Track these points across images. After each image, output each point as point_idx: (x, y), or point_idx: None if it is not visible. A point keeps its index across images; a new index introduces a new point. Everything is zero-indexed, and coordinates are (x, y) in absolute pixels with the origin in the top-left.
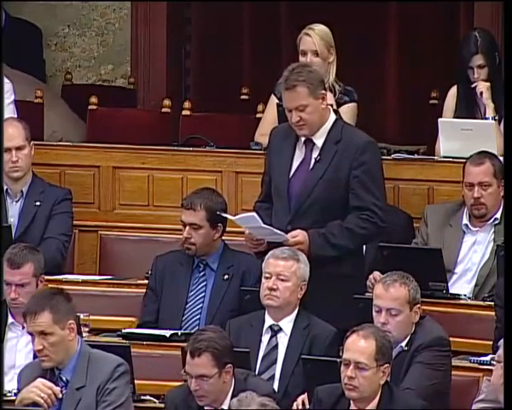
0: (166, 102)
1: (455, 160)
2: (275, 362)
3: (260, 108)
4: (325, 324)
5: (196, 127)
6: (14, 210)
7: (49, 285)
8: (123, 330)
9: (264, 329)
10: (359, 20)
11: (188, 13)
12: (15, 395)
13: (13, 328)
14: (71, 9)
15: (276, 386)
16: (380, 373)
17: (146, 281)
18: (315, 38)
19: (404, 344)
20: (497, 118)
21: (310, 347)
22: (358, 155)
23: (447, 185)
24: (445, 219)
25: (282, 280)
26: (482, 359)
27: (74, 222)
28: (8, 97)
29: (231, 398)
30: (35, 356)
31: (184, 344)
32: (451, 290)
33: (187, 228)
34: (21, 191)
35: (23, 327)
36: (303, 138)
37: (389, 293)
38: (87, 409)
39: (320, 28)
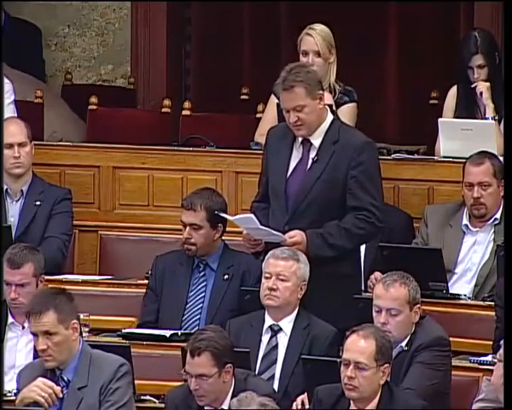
0: (166, 102)
1: (455, 160)
2: (275, 362)
3: (260, 108)
4: (325, 324)
5: (196, 127)
6: (13, 210)
7: (50, 285)
8: (123, 330)
9: (264, 329)
10: (359, 20)
11: (188, 13)
12: (15, 395)
13: (13, 328)
14: (71, 9)
15: (276, 386)
16: (380, 373)
17: (146, 281)
18: (317, 38)
19: (404, 344)
20: (497, 118)
21: (310, 347)
22: (356, 155)
23: (447, 185)
24: (445, 220)
25: (282, 280)
26: (482, 359)
27: (74, 222)
28: (9, 97)
29: (231, 398)
30: (35, 356)
31: (184, 344)
32: (451, 291)
33: (187, 228)
34: (21, 191)
35: (23, 327)
36: (300, 138)
37: (389, 293)
38: (89, 409)
39: (321, 28)
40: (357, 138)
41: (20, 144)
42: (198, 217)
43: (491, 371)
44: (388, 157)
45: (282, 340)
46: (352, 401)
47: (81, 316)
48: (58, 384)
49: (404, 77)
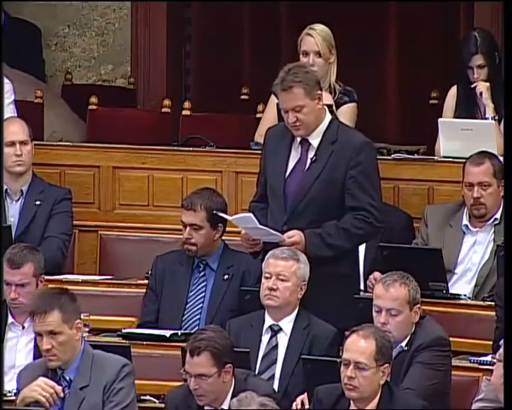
0: (166, 102)
1: (455, 160)
2: (275, 362)
3: (260, 108)
4: (325, 324)
5: (196, 127)
6: (13, 210)
7: (50, 285)
8: (123, 330)
9: (264, 329)
10: (359, 21)
11: (188, 13)
12: (15, 395)
13: (13, 328)
14: (71, 9)
15: (276, 386)
16: (380, 373)
17: (146, 281)
18: (317, 38)
19: (404, 344)
20: (496, 118)
21: (310, 347)
22: (355, 156)
23: (447, 185)
24: (445, 220)
25: (282, 280)
26: (482, 359)
27: (74, 222)
28: (9, 97)
29: (231, 398)
30: (35, 356)
31: (184, 344)
32: (451, 291)
33: (187, 229)
34: (21, 190)
35: (23, 327)
36: (299, 138)
37: (389, 293)
38: (91, 409)
39: (321, 28)
40: (356, 138)
41: (22, 142)
42: (198, 217)
43: (491, 371)
44: (388, 157)
45: (282, 340)
46: (351, 401)
47: (81, 316)
48: (60, 384)
49: (404, 77)
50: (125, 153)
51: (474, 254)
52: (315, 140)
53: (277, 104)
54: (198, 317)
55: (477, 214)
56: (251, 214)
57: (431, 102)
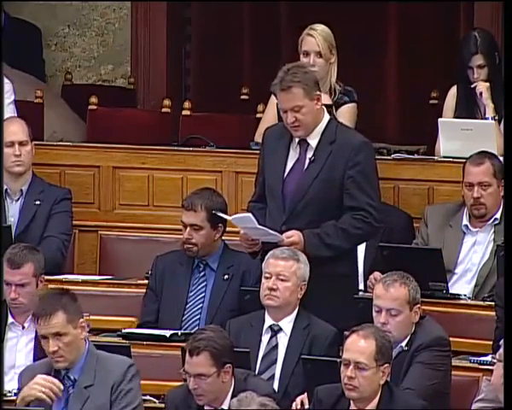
0: (166, 102)
1: (455, 160)
2: (275, 362)
3: (260, 108)
4: (325, 324)
5: (196, 127)
6: (13, 209)
7: (50, 285)
8: (123, 330)
9: (264, 329)
10: (359, 21)
11: (188, 13)
12: (15, 395)
13: (13, 328)
14: (71, 9)
15: (276, 386)
16: (380, 373)
17: (146, 281)
18: (318, 38)
19: (404, 344)
20: (496, 118)
21: (310, 347)
22: (353, 156)
23: (447, 185)
24: (445, 220)
25: (282, 280)
26: (482, 359)
27: (74, 222)
28: (9, 97)
29: (231, 398)
30: (35, 356)
31: (184, 344)
32: (451, 291)
33: (187, 229)
34: (21, 190)
35: (23, 327)
36: (297, 138)
37: (389, 293)
38: (95, 408)
39: (322, 28)
40: (355, 138)
41: (21, 143)
42: (198, 217)
43: (491, 371)
44: (388, 157)
45: (282, 340)
46: (351, 401)
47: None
48: (64, 384)
49: (404, 77)
50: (125, 153)
51: (474, 254)
52: (313, 140)
53: (277, 104)
54: (198, 317)
55: (477, 214)
56: (250, 214)
57: (431, 102)
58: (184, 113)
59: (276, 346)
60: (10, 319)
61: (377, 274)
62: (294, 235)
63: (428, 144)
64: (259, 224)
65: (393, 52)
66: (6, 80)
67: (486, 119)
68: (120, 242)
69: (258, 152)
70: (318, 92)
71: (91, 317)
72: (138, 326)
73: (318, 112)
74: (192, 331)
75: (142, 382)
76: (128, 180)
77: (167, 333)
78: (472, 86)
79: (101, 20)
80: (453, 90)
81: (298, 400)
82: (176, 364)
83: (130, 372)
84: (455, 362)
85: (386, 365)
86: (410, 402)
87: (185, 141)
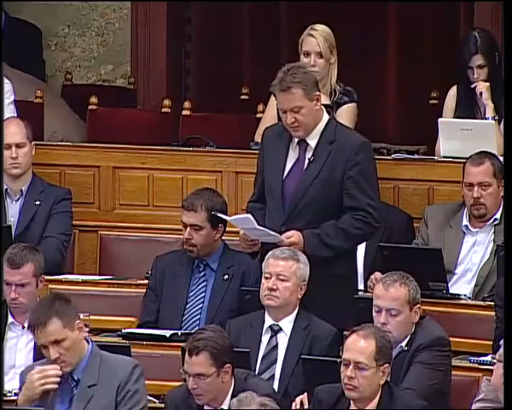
0: (166, 102)
1: (455, 160)
2: (275, 362)
3: (260, 108)
4: (325, 324)
5: (196, 127)
6: (13, 209)
7: (50, 285)
8: (123, 330)
9: (264, 329)
10: (359, 20)
11: (188, 13)
12: (15, 395)
13: (13, 328)
14: (71, 9)
15: (276, 386)
16: (380, 373)
17: (146, 281)
18: (319, 39)
19: (404, 344)
20: (496, 118)
21: (310, 347)
22: (353, 156)
23: (447, 185)
24: (445, 220)
25: (282, 280)
26: (482, 359)
27: (74, 222)
28: (8, 97)
29: (231, 398)
30: (35, 356)
31: (184, 344)
32: (451, 291)
33: (188, 229)
34: (21, 190)
35: (23, 327)
36: (296, 139)
37: (389, 293)
38: (100, 407)
39: (323, 29)
40: (354, 139)
41: (18, 145)
42: (199, 218)
43: (491, 371)
44: (388, 157)
45: (282, 340)
46: (351, 401)
47: (81, 316)
48: (68, 384)
49: (404, 77)
50: (125, 153)
51: (474, 254)
52: (313, 140)
53: (277, 104)
54: (198, 317)
55: (477, 214)
56: (250, 215)
57: (431, 102)
58: (184, 113)
59: (276, 346)
60: (10, 319)
61: (377, 274)
62: (294, 235)
63: (428, 144)
64: (259, 224)
65: (393, 52)
66: (6, 80)
67: (486, 119)
68: (120, 242)
69: (258, 152)
70: (318, 93)
71: (91, 317)
72: (138, 326)
73: (318, 112)
74: (192, 331)
75: None
76: (128, 180)
77: (167, 333)
78: (472, 86)
79: (101, 20)
80: (453, 91)
81: (298, 400)
82: (176, 364)
83: (136, 373)
84: (455, 362)
85: (386, 365)
86: (410, 402)
87: (185, 141)
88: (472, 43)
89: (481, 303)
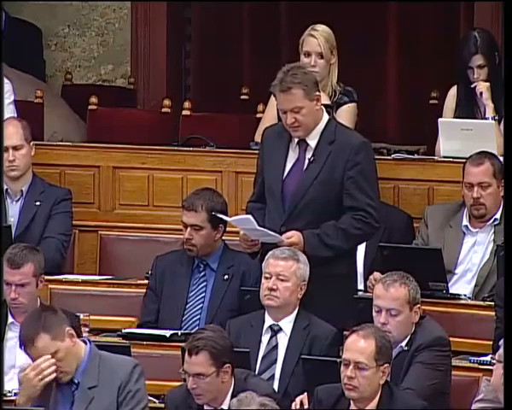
0: (166, 102)
1: (455, 160)
2: (275, 362)
3: (260, 108)
4: (325, 324)
5: (196, 127)
6: (13, 210)
7: (50, 285)
8: (123, 330)
9: (264, 329)
10: (359, 21)
11: (188, 13)
12: (15, 395)
13: (13, 328)
14: (71, 9)
15: (276, 386)
16: (380, 373)
17: (146, 281)
18: (320, 39)
19: (404, 344)
20: (496, 118)
21: (310, 347)
22: (353, 156)
23: (447, 185)
24: (445, 220)
25: (282, 280)
26: (482, 359)
27: (74, 222)
28: (8, 97)
29: (231, 398)
30: None
31: (184, 344)
32: (451, 291)
33: (188, 229)
34: (21, 191)
35: None
36: (296, 139)
37: (389, 293)
38: (101, 408)
39: (323, 29)
40: (354, 139)
41: (15, 147)
42: (199, 218)
43: (491, 371)
44: (388, 157)
45: (282, 340)
46: (351, 401)
47: (81, 316)
48: (69, 388)
49: (404, 77)
50: (125, 153)
51: (474, 254)
52: (313, 140)
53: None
54: (198, 317)
55: (477, 214)
56: (250, 216)
57: (431, 102)
58: (184, 113)
59: (276, 346)
60: (10, 319)
61: (377, 274)
62: (294, 235)
63: (428, 144)
64: (259, 224)
65: (393, 52)
66: (6, 80)
67: (486, 119)
68: (120, 242)
69: (258, 152)
70: (318, 93)
71: (91, 317)
72: (138, 326)
73: (318, 112)
74: (192, 331)
75: None
76: (128, 180)
77: (167, 333)
78: (472, 86)
79: (101, 20)
80: (453, 91)
81: (298, 400)
82: (176, 364)
83: (137, 372)
84: (455, 362)
85: (386, 365)
86: (410, 402)
87: (185, 141)
88: (472, 43)
89: (481, 303)
